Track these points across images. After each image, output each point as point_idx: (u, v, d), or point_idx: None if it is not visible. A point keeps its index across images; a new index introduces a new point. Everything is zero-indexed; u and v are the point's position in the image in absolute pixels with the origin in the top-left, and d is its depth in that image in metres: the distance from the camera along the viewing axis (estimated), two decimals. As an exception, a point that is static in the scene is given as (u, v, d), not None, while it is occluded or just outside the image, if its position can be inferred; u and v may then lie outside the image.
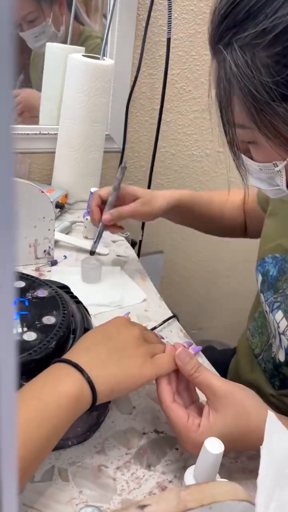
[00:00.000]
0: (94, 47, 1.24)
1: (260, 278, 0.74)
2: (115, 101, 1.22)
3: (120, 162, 1.24)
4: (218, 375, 0.71)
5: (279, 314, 0.67)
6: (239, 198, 0.96)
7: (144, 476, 0.55)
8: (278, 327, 0.67)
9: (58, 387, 0.48)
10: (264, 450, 0.39)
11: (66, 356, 0.52)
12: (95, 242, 0.88)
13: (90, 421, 0.58)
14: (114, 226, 0.88)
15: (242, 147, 0.57)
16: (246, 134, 0.54)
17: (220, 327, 1.81)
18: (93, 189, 1.00)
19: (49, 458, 0.55)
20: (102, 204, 0.87)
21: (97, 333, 0.56)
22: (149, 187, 1.32)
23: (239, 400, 0.52)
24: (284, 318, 0.66)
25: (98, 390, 0.49)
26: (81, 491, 0.52)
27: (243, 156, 0.58)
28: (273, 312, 0.69)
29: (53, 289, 0.66)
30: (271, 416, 0.43)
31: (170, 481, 0.55)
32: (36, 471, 0.53)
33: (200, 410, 0.54)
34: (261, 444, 0.40)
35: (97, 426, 0.60)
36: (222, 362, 0.98)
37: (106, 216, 0.84)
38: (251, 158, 0.57)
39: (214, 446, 0.47)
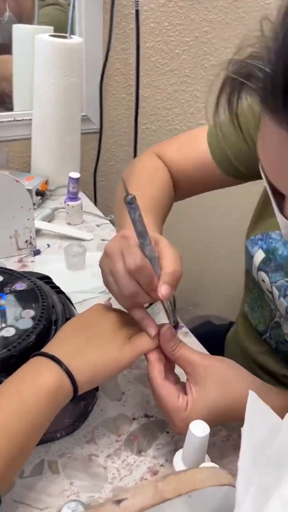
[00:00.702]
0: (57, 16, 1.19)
1: (261, 254, 0.67)
2: (89, 80, 1.18)
3: (99, 143, 1.21)
4: (207, 352, 0.70)
5: None
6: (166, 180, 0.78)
7: (135, 462, 0.55)
8: None
9: (37, 381, 0.47)
10: (245, 432, 0.39)
11: (45, 348, 0.51)
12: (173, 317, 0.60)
13: (77, 411, 0.57)
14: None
15: None
16: None
17: (216, 301, 1.80)
18: (71, 174, 0.98)
19: (38, 451, 0.55)
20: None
21: (76, 322, 0.55)
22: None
23: (218, 371, 0.52)
24: None
25: (78, 380, 0.48)
26: (72, 482, 0.52)
27: None
28: (287, 298, 0.63)
29: (32, 282, 0.65)
30: (252, 396, 0.42)
31: (162, 465, 0.55)
32: (25, 466, 0.53)
33: (185, 389, 0.53)
34: None
35: (86, 416, 0.59)
36: (220, 336, 0.97)
37: (166, 291, 0.52)
38: None
39: (199, 429, 0.47)
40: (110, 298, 0.66)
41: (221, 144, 0.71)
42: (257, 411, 0.41)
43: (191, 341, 0.73)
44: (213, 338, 0.98)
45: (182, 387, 0.53)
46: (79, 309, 0.71)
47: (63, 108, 1.05)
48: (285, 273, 0.65)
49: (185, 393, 0.52)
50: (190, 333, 0.75)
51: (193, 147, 0.76)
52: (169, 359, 0.54)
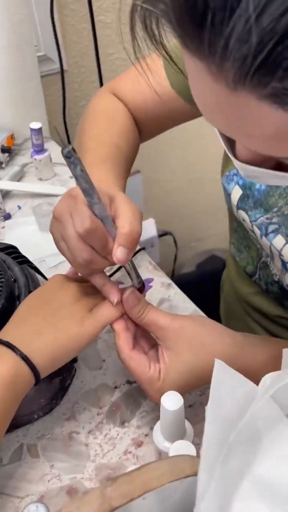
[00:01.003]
0: None
1: (238, 191, 0.60)
2: (40, 13, 1.06)
3: (63, 84, 1.10)
4: (196, 308, 0.65)
5: (279, 240, 0.56)
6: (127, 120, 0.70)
7: (118, 435, 0.52)
8: (281, 255, 0.57)
9: None
10: (209, 411, 0.34)
11: (1, 332, 0.47)
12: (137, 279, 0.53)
13: (52, 389, 0.54)
14: None
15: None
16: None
17: (218, 234, 1.74)
18: (32, 125, 0.89)
19: (16, 436, 0.52)
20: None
21: (31, 300, 0.50)
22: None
23: (191, 332, 0.47)
24: (287, 244, 0.55)
25: (37, 364, 0.44)
26: (53, 465, 0.50)
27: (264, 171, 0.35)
28: (269, 237, 0.57)
29: (-13, 256, 0.59)
30: (219, 364, 0.37)
31: (146, 435, 0.52)
32: (3, 454, 0.51)
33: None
34: None
35: (64, 391, 0.56)
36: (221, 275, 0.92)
37: (121, 255, 0.46)
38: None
39: (172, 402, 0.42)
40: (74, 264, 0.61)
41: (179, 69, 0.62)
42: (225, 383, 0.37)
43: (176, 293, 0.68)
44: (218, 273, 0.93)
45: (156, 354, 0.49)
46: (55, 272, 0.66)
47: (15, 50, 0.94)
48: (265, 209, 0.57)
49: (158, 361, 0.48)
50: (174, 285, 0.70)
51: (148, 77, 0.66)
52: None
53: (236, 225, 0.69)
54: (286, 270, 0.58)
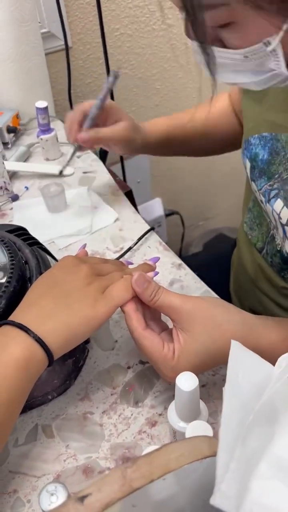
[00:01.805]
0: None
1: (248, 164, 0.63)
2: (44, -12, 1.03)
3: (68, 61, 1.08)
4: (205, 286, 0.65)
5: (278, 204, 0.58)
6: (222, 104, 0.82)
7: (132, 415, 0.52)
8: (280, 218, 0.58)
9: (3, 355, 0.43)
10: (227, 392, 0.34)
11: (12, 315, 0.47)
12: (67, 162, 0.79)
13: (65, 370, 0.54)
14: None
15: (210, 37, 0.42)
16: (220, 14, 0.39)
17: (226, 212, 1.73)
18: (38, 104, 0.88)
19: (31, 416, 0.53)
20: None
21: (43, 282, 0.49)
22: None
23: (205, 312, 0.47)
24: (285, 207, 0.57)
25: (51, 346, 0.44)
26: (68, 445, 0.50)
27: (214, 49, 0.42)
28: (271, 202, 0.59)
29: (-1, 238, 0.59)
30: (236, 345, 0.37)
31: (160, 414, 0.52)
32: (19, 434, 0.51)
33: (172, 336, 0.49)
34: None
35: (78, 372, 0.56)
36: (231, 252, 0.91)
37: (84, 135, 0.69)
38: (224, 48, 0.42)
39: (187, 383, 0.42)
40: (85, 245, 0.60)
41: None
42: (242, 364, 0.36)
43: (187, 273, 0.68)
44: (226, 252, 0.93)
45: (169, 336, 0.49)
46: (64, 254, 0.66)
47: (17, 27, 0.92)
48: (268, 177, 0.59)
49: (172, 342, 0.47)
50: (184, 265, 0.69)
51: None
52: (150, 307, 0.49)
53: (252, 205, 0.69)
54: (286, 236, 0.59)
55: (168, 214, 1.58)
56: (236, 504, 0.28)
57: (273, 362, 0.36)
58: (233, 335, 0.46)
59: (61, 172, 0.86)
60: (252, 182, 0.63)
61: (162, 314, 0.52)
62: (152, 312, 0.51)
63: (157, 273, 0.53)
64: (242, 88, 0.64)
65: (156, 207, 1.54)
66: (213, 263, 0.98)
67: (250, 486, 0.30)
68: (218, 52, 0.42)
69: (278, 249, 0.64)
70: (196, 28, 0.39)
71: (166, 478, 0.30)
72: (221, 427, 0.32)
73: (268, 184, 0.59)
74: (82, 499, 0.29)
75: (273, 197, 0.58)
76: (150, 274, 0.52)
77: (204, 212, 1.73)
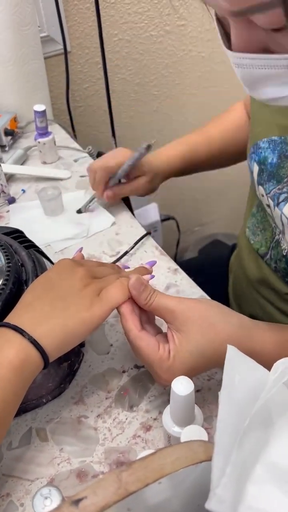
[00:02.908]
0: None
1: (256, 167, 0.62)
2: (44, -8, 1.03)
3: (66, 65, 1.08)
4: (201, 292, 0.65)
5: (287, 208, 0.58)
6: (238, 115, 0.83)
7: (127, 419, 0.52)
8: None
9: None
10: (223, 396, 0.34)
11: (8, 317, 0.47)
12: (86, 204, 0.81)
13: (61, 373, 0.54)
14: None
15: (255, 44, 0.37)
16: (270, 18, 0.33)
17: (221, 218, 1.73)
18: (36, 107, 0.88)
19: (25, 420, 0.52)
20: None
21: (39, 285, 0.49)
22: (107, 86, 1.17)
23: (200, 313, 0.47)
24: None
25: (46, 348, 0.44)
26: (62, 449, 0.50)
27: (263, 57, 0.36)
28: (280, 206, 0.58)
29: (-5, 241, 0.59)
30: (231, 349, 0.37)
31: (155, 419, 0.52)
32: (13, 437, 0.51)
33: (167, 339, 0.49)
34: None
35: (72, 376, 0.56)
36: (229, 255, 0.92)
37: (109, 194, 0.77)
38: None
39: (182, 387, 0.42)
40: (81, 249, 0.60)
41: None
42: (238, 368, 0.37)
43: (182, 278, 0.68)
44: (221, 258, 0.94)
45: (164, 338, 0.49)
46: (61, 257, 0.66)
47: (17, 31, 0.93)
48: (277, 181, 0.59)
49: (167, 343, 0.48)
50: (180, 270, 0.69)
51: None
52: (144, 310, 0.49)
53: (256, 210, 0.69)
54: None
55: (164, 219, 1.58)
56: (232, 508, 0.28)
57: (265, 365, 0.36)
58: (228, 335, 0.46)
59: (79, 211, 0.82)
60: (260, 186, 0.62)
61: (156, 318, 0.52)
62: (146, 316, 0.51)
63: (153, 276, 0.53)
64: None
65: (152, 212, 1.54)
66: (209, 269, 0.99)
67: (246, 490, 0.30)
68: (267, 61, 0.36)
69: (284, 254, 0.64)
70: (240, 33, 0.35)
71: (162, 482, 0.30)
72: (216, 431, 0.32)
73: (277, 188, 0.59)
74: (77, 502, 0.29)
75: (283, 200, 0.58)
76: (146, 277, 0.52)
77: (199, 217, 1.73)
